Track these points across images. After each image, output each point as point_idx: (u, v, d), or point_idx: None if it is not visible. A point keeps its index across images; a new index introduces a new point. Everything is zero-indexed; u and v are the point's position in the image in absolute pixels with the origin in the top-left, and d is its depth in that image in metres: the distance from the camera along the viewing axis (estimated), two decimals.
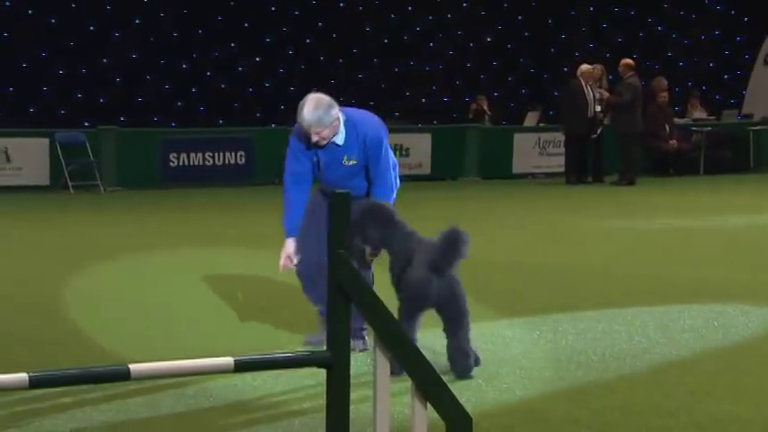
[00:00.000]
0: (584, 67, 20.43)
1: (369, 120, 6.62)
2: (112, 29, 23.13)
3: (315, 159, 6.56)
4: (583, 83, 20.17)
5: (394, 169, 6.70)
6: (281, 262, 6.57)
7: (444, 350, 6.08)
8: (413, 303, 5.95)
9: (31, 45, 22.06)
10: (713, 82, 28.25)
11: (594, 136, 20.25)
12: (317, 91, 6.50)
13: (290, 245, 6.55)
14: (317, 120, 6.38)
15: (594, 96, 20.22)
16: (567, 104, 20.46)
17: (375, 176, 6.60)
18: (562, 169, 20.89)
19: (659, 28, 28.19)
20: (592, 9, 27.75)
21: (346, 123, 6.51)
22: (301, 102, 6.42)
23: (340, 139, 6.53)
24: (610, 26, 27.70)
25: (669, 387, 5.93)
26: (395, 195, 6.68)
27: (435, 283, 5.97)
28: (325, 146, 6.51)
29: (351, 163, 6.55)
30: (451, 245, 5.96)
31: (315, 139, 6.44)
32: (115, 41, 23.09)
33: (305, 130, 6.45)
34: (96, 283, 9.17)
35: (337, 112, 6.45)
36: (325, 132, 6.43)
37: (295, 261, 6.57)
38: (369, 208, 6.17)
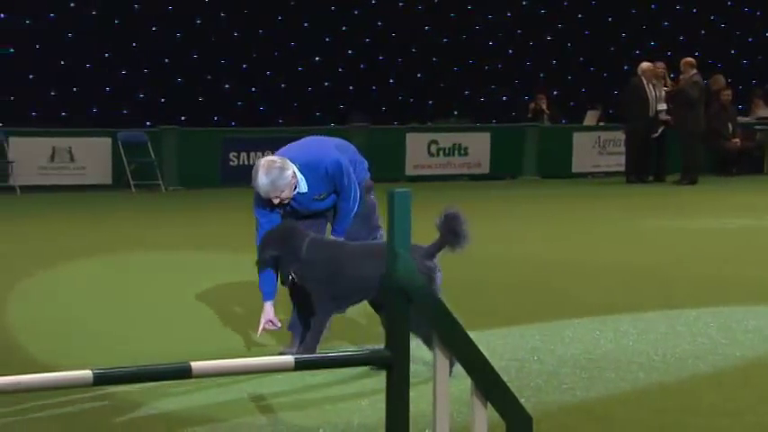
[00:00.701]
0: (646, 64, 20.26)
1: (319, 152, 6.53)
2: (174, 29, 23.33)
3: (286, 210, 6.52)
4: (644, 81, 20.00)
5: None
6: (262, 326, 6.43)
7: (503, 350, 6.06)
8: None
9: (95, 46, 22.33)
10: None
11: (655, 135, 20.08)
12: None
13: (269, 309, 6.42)
14: (273, 186, 6.31)
15: (656, 94, 20.04)
16: (628, 103, 20.30)
17: (340, 192, 6.55)
18: (622, 168, 20.75)
19: (722, 26, 27.86)
20: (653, 7, 27.50)
21: (302, 170, 6.43)
22: (254, 169, 6.37)
23: (303, 187, 6.47)
24: (671, 24, 27.43)
25: (732, 388, 5.86)
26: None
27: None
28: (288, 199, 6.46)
29: (321, 197, 6.52)
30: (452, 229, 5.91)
31: (276, 201, 6.40)
32: (176, 42, 23.30)
33: (264, 197, 6.41)
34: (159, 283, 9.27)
35: (291, 171, 6.35)
36: (285, 194, 6.37)
37: (278, 324, 6.46)
38: (265, 240, 6.30)
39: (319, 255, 6.20)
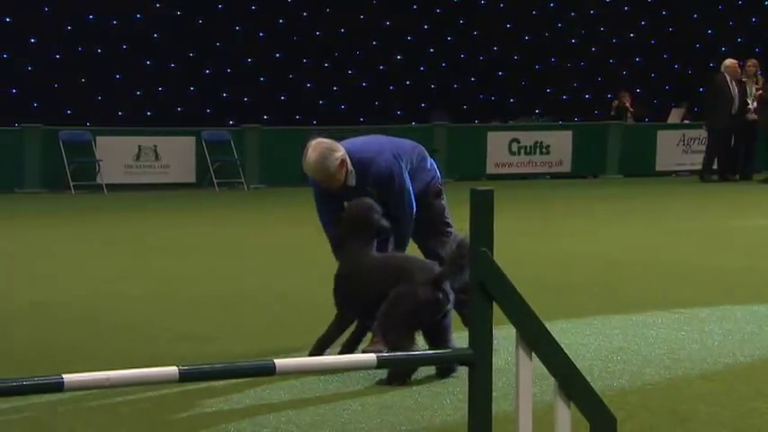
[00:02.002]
0: (729, 61, 19.97)
1: (375, 151, 6.43)
2: (257, 29, 23.54)
3: (340, 200, 6.46)
4: (728, 78, 19.72)
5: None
6: None
7: (586, 350, 6.01)
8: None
9: (180, 46, 22.62)
10: None
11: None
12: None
13: None
14: (320, 164, 6.26)
15: (746, 91, 19.74)
16: (710, 100, 20.04)
17: (393, 203, 6.41)
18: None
19: None
20: (740, 3, 27.06)
21: (354, 164, 6.37)
22: (305, 150, 6.32)
23: (352, 180, 6.39)
24: (760, 20, 26.97)
25: None
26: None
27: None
28: (340, 188, 6.38)
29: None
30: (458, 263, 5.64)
31: (325, 186, 6.36)
32: (259, 41, 23.50)
33: (312, 178, 6.39)
34: (258, 282, 9.36)
35: (340, 155, 6.29)
36: (336, 178, 6.30)
37: None
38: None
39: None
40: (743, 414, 5.33)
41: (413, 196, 6.46)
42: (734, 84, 19.74)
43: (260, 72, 23.41)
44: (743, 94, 19.84)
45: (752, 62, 20.30)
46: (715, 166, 20.10)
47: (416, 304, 5.83)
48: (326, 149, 6.27)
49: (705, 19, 26.67)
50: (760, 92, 19.80)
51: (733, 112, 19.68)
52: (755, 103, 19.83)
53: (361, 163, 6.38)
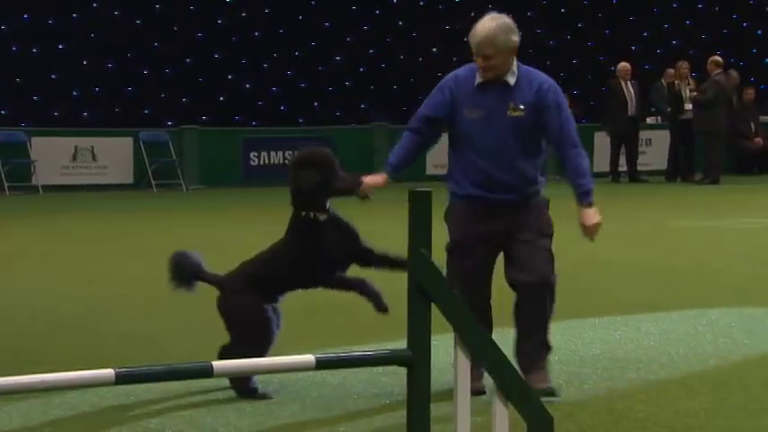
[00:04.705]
0: (621, 65, 20.37)
1: (543, 74, 5.67)
2: (195, 30, 23.39)
3: (473, 115, 5.54)
4: (621, 81, 20.06)
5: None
6: (366, 181, 5.66)
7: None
8: None
9: (117, 47, 22.41)
10: None
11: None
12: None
13: (377, 175, 5.74)
14: (492, 36, 5.44)
15: (633, 94, 19.99)
16: (606, 104, 20.51)
17: (554, 128, 5.54)
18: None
19: (744, 24, 27.73)
20: (675, 5, 27.39)
21: (521, 69, 5.59)
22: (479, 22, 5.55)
23: (511, 79, 5.55)
24: (694, 23, 27.32)
25: (754, 389, 5.84)
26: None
27: None
28: (491, 83, 5.54)
29: (517, 114, 5.53)
30: None
31: (482, 64, 5.49)
32: (198, 42, 23.36)
33: (474, 51, 5.52)
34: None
35: (517, 41, 5.50)
36: (497, 59, 5.47)
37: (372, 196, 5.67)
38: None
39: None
40: (678, 413, 5.40)
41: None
42: (628, 86, 20.05)
43: (198, 72, 23.26)
44: (639, 95, 20.15)
45: (683, 64, 20.58)
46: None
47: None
48: (508, 24, 5.52)
49: (640, 21, 26.96)
50: (694, 93, 20.07)
51: (629, 113, 20.06)
52: (691, 105, 20.09)
53: (528, 71, 5.62)
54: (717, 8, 27.51)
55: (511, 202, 5.63)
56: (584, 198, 5.66)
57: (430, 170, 20.69)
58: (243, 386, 5.57)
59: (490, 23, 5.50)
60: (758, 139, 21.81)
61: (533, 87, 5.56)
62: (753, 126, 21.83)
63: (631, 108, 19.95)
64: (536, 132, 5.62)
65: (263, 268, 5.71)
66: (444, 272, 5.52)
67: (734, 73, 21.83)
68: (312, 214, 5.60)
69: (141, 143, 18.80)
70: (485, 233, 5.63)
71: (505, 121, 5.56)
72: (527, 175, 5.64)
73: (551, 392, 5.51)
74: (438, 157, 20.98)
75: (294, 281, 5.72)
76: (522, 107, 5.55)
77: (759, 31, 27.75)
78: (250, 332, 5.58)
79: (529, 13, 26.17)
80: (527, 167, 5.63)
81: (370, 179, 5.72)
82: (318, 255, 5.60)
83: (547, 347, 5.73)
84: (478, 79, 5.58)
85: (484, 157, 5.58)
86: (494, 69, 5.52)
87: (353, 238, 5.66)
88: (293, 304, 6.08)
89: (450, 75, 5.70)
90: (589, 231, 5.70)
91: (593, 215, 5.67)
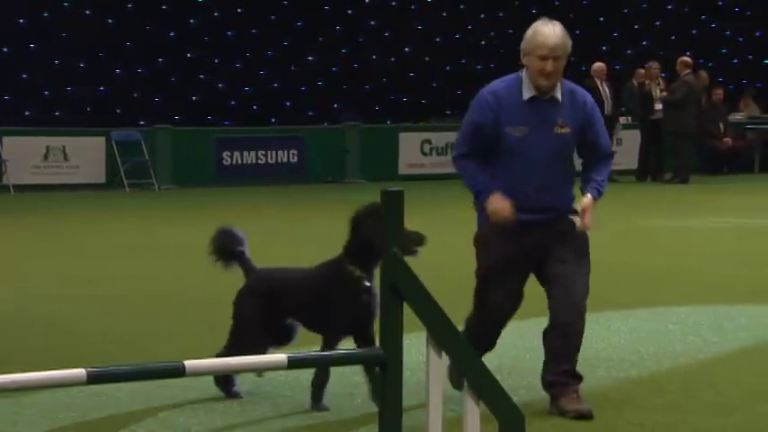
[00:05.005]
0: (596, 65, 20.40)
1: (579, 87, 5.53)
2: (168, 29, 23.33)
3: (517, 132, 5.30)
4: (597, 81, 20.14)
5: None
6: (499, 207, 5.29)
7: (496, 348, 6.06)
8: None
9: (89, 46, 22.32)
10: None
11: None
12: None
13: (496, 196, 5.30)
14: (564, 39, 5.27)
15: (608, 94, 20.10)
16: None
17: (595, 138, 5.41)
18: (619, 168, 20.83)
19: (713, 25, 27.91)
20: (645, 6, 27.53)
21: (563, 83, 5.40)
22: (530, 29, 5.37)
23: (558, 93, 5.35)
24: (664, 23, 27.47)
25: (723, 387, 5.89)
26: None
27: None
28: (538, 99, 5.32)
29: (563, 131, 5.34)
30: None
31: (550, 69, 5.25)
32: (170, 41, 23.30)
33: (539, 55, 5.26)
34: (168, 281, 9.28)
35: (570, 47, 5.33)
36: (562, 64, 5.29)
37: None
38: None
39: None
40: (647, 410, 5.44)
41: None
42: (603, 86, 20.13)
43: (171, 72, 23.20)
44: (614, 95, 20.23)
45: (654, 64, 20.70)
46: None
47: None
48: (565, 31, 5.35)
49: (610, 22, 27.07)
50: (664, 93, 20.19)
51: (606, 113, 20.10)
52: (661, 105, 20.22)
53: (569, 87, 5.43)
54: (686, 9, 27.67)
55: (546, 221, 5.40)
56: (596, 193, 5.43)
57: (402, 170, 20.74)
58: (226, 388, 5.58)
59: (555, 27, 5.33)
60: (727, 139, 21.97)
61: (579, 104, 5.40)
62: (722, 126, 21.99)
63: (607, 108, 19.99)
64: (573, 149, 5.48)
65: (291, 286, 5.57)
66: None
67: (703, 73, 21.97)
68: (359, 274, 5.35)
69: (113, 143, 18.73)
70: (518, 254, 5.42)
71: (551, 139, 5.35)
72: (566, 195, 5.47)
73: (589, 415, 5.25)
74: (411, 156, 21.10)
75: (306, 317, 5.58)
76: (569, 124, 5.37)
77: (728, 32, 27.94)
78: (239, 337, 5.55)
79: (500, 14, 26.25)
80: (567, 187, 5.46)
81: (501, 203, 5.30)
82: (340, 313, 5.40)
83: (578, 378, 5.47)
84: (531, 93, 5.34)
85: (525, 176, 5.34)
86: (558, 75, 5.34)
87: (370, 323, 5.39)
88: None
89: (485, 93, 5.41)
90: (587, 218, 5.42)
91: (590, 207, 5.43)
